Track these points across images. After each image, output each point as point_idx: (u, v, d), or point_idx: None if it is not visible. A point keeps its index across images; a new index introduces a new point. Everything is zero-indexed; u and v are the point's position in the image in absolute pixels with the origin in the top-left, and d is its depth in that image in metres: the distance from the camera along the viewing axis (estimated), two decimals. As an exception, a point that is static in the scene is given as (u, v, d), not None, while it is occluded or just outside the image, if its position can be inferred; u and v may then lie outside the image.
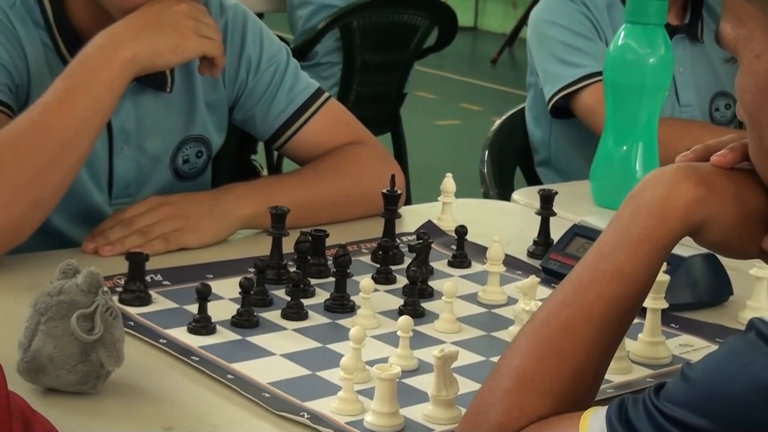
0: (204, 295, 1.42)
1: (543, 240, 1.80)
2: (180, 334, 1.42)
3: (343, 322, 1.49)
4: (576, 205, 2.02)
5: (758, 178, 1.12)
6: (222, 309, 1.48)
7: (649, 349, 1.45)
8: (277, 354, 1.39)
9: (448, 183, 1.88)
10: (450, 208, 1.89)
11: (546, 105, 2.50)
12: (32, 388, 1.25)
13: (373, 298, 1.50)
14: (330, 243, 1.65)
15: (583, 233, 1.70)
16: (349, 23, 3.84)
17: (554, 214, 1.81)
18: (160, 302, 1.51)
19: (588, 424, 1.01)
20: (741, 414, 0.93)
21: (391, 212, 1.73)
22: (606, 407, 1.01)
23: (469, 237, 1.75)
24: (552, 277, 1.67)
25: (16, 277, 1.57)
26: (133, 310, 1.47)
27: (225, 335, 1.43)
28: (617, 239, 1.10)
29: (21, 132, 1.59)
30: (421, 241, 1.65)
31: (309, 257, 1.61)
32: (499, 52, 9.18)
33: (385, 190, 1.74)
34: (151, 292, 1.52)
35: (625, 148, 2.07)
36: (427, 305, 1.55)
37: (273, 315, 1.50)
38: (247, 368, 1.34)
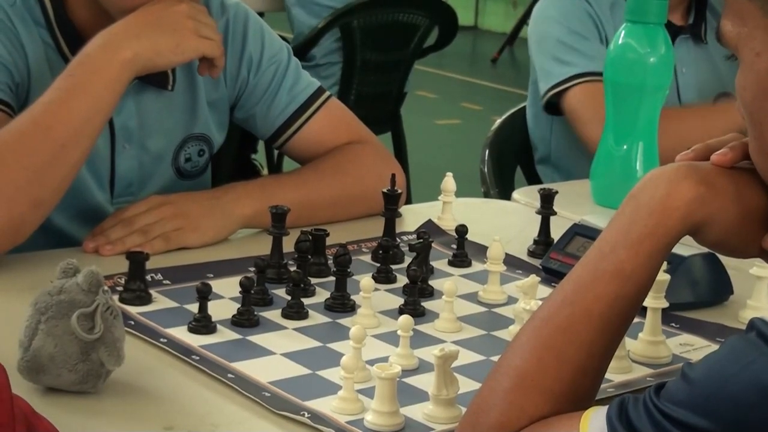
0: (204, 295, 1.42)
1: (543, 239, 1.80)
2: (180, 333, 1.42)
3: (344, 321, 1.49)
4: (576, 205, 2.02)
5: (758, 177, 1.12)
6: (222, 308, 1.48)
7: (649, 349, 1.45)
8: (277, 353, 1.39)
9: (449, 182, 1.88)
10: (450, 208, 1.89)
11: (540, 100, 2.51)
12: (33, 387, 1.25)
13: (374, 298, 1.50)
14: (330, 242, 1.65)
15: (583, 232, 1.70)
16: (349, 22, 3.84)
17: (554, 213, 1.81)
18: (161, 301, 1.51)
19: (588, 424, 1.01)
20: (742, 414, 0.93)
21: (392, 211, 1.73)
22: (606, 407, 1.01)
23: (469, 236, 1.75)
24: (552, 276, 1.67)
25: (17, 276, 1.57)
26: (133, 310, 1.47)
27: (225, 334, 1.43)
28: (617, 238, 1.10)
29: (21, 131, 1.59)
30: (421, 240, 1.65)
31: (309, 256, 1.61)
32: (499, 52, 9.18)
33: (385, 190, 1.74)
34: (152, 292, 1.52)
35: (625, 147, 2.07)
36: (427, 304, 1.55)
37: (273, 314, 1.50)
38: (248, 367, 1.34)
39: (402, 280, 1.62)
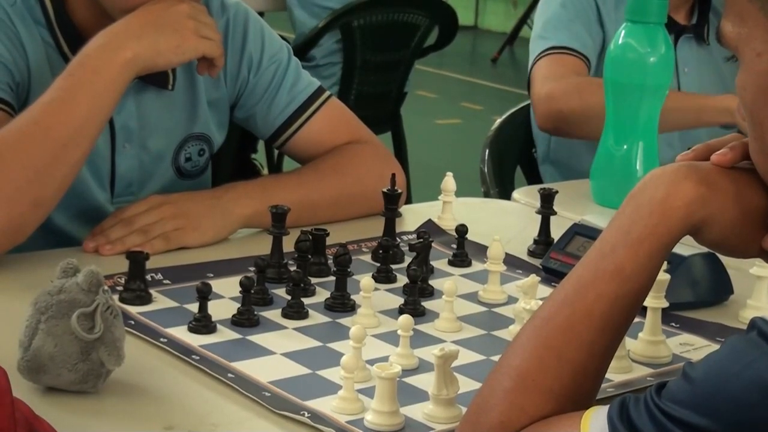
0: (204, 294, 1.42)
1: (543, 239, 1.80)
2: (180, 333, 1.42)
3: (344, 321, 1.49)
4: (576, 204, 2.02)
5: (759, 177, 1.12)
6: (222, 308, 1.48)
7: (649, 348, 1.45)
8: (277, 353, 1.39)
9: (449, 182, 1.88)
10: (450, 207, 1.89)
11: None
12: (32, 387, 1.25)
13: (374, 297, 1.50)
14: (330, 242, 1.65)
15: (583, 232, 1.70)
16: (350, 22, 3.84)
17: (555, 213, 1.81)
18: (161, 301, 1.51)
19: (589, 424, 1.01)
20: (743, 413, 0.93)
21: (392, 211, 1.73)
22: (607, 407, 1.01)
23: (469, 236, 1.75)
24: (552, 276, 1.67)
25: (17, 276, 1.57)
26: (133, 309, 1.47)
27: (225, 334, 1.43)
28: (618, 238, 1.10)
29: (22, 131, 1.59)
30: (421, 240, 1.65)
31: (309, 256, 1.61)
32: (499, 51, 9.19)
33: (385, 189, 1.74)
34: (152, 291, 1.52)
35: (625, 147, 2.07)
36: (427, 304, 1.55)
37: (273, 314, 1.50)
38: (248, 367, 1.34)
39: (402, 280, 1.62)
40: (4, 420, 0.90)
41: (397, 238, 1.76)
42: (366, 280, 1.48)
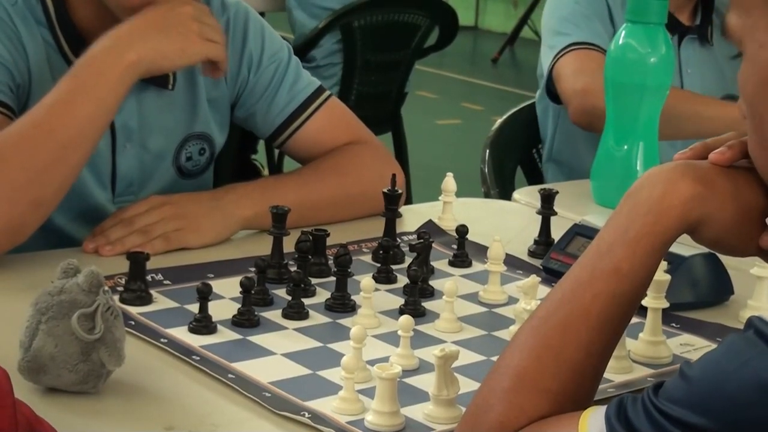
0: (205, 295, 1.42)
1: (544, 239, 1.80)
2: (181, 333, 1.42)
3: (344, 321, 1.49)
4: (577, 205, 2.02)
5: (757, 176, 1.12)
6: (223, 308, 1.48)
7: (649, 349, 1.45)
8: (277, 353, 1.39)
9: (449, 182, 1.88)
10: (451, 208, 1.89)
11: (544, 89, 2.51)
12: (33, 387, 1.25)
13: (374, 298, 1.50)
14: (331, 242, 1.65)
15: (583, 233, 1.70)
16: (350, 23, 3.84)
17: (555, 213, 1.81)
18: (161, 302, 1.51)
19: (587, 424, 1.01)
20: (740, 412, 0.93)
21: (392, 212, 1.73)
22: (605, 407, 1.01)
23: (469, 236, 1.75)
24: (553, 276, 1.67)
25: (17, 276, 1.57)
26: (133, 310, 1.47)
27: (226, 335, 1.43)
28: (615, 237, 1.10)
29: (23, 132, 1.59)
30: (421, 240, 1.65)
31: (310, 257, 1.61)
32: (500, 52, 9.18)
33: (385, 190, 1.74)
34: (152, 292, 1.52)
35: (626, 147, 2.07)
36: (427, 305, 1.55)
37: (274, 314, 1.50)
38: (248, 368, 1.34)
39: (402, 281, 1.62)
40: (6, 422, 0.90)
41: (398, 239, 1.76)
42: (366, 280, 1.49)
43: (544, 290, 1.54)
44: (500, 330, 1.50)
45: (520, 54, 9.38)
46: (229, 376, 1.32)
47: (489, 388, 1.10)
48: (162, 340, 1.40)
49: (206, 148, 1.91)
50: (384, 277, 1.64)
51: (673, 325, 1.55)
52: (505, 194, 2.39)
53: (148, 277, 1.53)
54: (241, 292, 1.47)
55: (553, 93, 2.50)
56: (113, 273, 1.54)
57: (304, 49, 3.79)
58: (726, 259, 1.57)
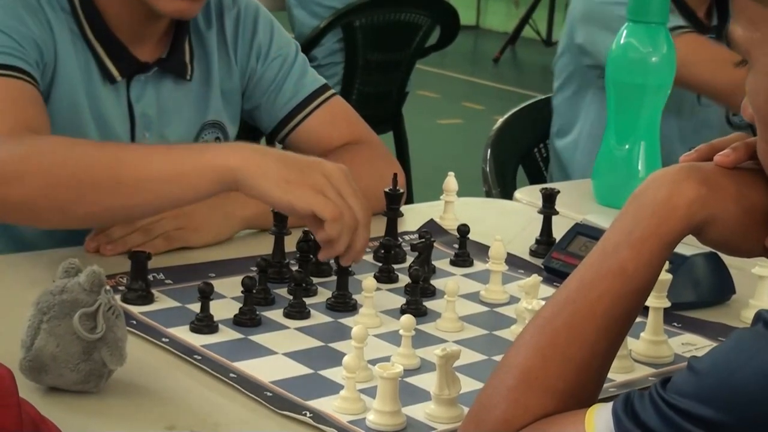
0: (206, 294, 1.42)
1: (545, 239, 1.80)
2: (182, 332, 1.42)
3: (346, 320, 1.49)
4: (578, 204, 2.02)
5: (762, 178, 1.12)
6: (224, 308, 1.48)
7: (651, 348, 1.45)
8: (279, 353, 1.39)
9: (451, 182, 1.88)
10: (452, 207, 1.89)
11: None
12: (35, 387, 1.25)
13: (375, 297, 1.50)
14: (332, 242, 1.65)
15: (585, 232, 1.70)
16: (351, 22, 3.84)
17: (556, 212, 1.81)
18: (163, 301, 1.51)
19: (594, 420, 1.01)
20: (748, 404, 0.93)
21: (394, 211, 1.73)
22: (610, 404, 1.01)
23: (471, 236, 1.75)
24: (554, 276, 1.66)
25: (19, 275, 1.57)
26: (135, 309, 1.47)
27: (227, 334, 1.43)
28: (620, 238, 1.10)
29: (94, 163, 1.55)
30: (423, 239, 1.65)
31: (311, 256, 1.61)
32: (501, 51, 9.18)
33: (387, 189, 1.74)
34: (154, 291, 1.52)
35: (627, 146, 2.07)
36: (429, 304, 1.55)
37: (275, 314, 1.50)
38: (250, 367, 1.34)
39: (404, 280, 1.62)
40: (11, 421, 0.90)
41: (399, 238, 1.75)
42: (368, 280, 1.49)
43: (545, 290, 1.54)
44: (501, 329, 1.50)
45: (521, 53, 9.38)
46: (231, 375, 1.32)
47: (493, 387, 1.10)
48: (163, 339, 1.40)
49: (221, 137, 1.92)
50: (385, 276, 1.64)
51: (675, 324, 1.55)
52: (507, 194, 2.39)
53: (150, 277, 1.53)
54: (242, 292, 1.47)
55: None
56: (115, 272, 1.54)
57: (305, 48, 3.78)
58: (728, 259, 1.57)
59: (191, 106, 1.87)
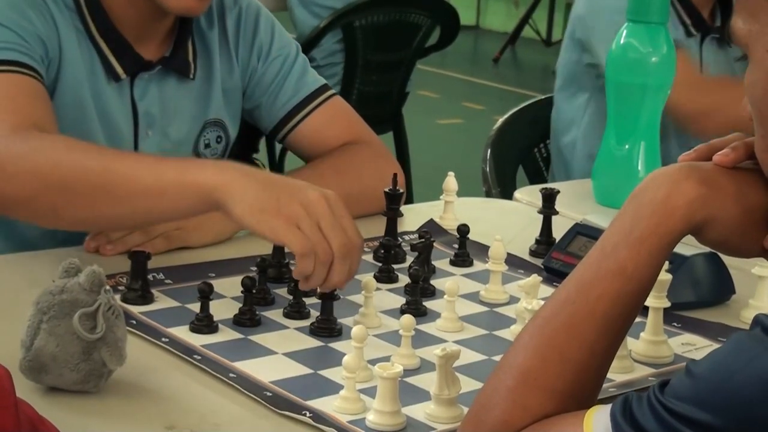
0: (206, 294, 1.42)
1: (545, 239, 1.80)
2: (182, 332, 1.42)
3: (345, 321, 1.49)
4: (578, 204, 2.02)
5: (761, 177, 1.12)
6: (224, 308, 1.48)
7: (651, 348, 1.45)
8: (279, 353, 1.39)
9: (450, 182, 1.88)
10: (452, 207, 1.89)
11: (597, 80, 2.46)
12: (34, 387, 1.25)
13: (375, 297, 1.50)
14: (332, 242, 1.65)
15: (585, 232, 1.70)
16: (351, 22, 3.84)
17: (556, 212, 1.81)
18: (162, 301, 1.51)
19: (592, 422, 1.01)
20: (746, 409, 0.93)
21: (393, 211, 1.73)
22: (609, 405, 1.01)
23: (471, 236, 1.75)
24: (554, 276, 1.67)
25: (18, 275, 1.57)
26: (135, 309, 1.47)
27: (227, 334, 1.43)
28: (620, 238, 1.10)
29: (89, 170, 1.54)
30: (423, 239, 1.65)
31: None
32: (501, 51, 9.18)
33: (387, 189, 1.74)
34: (153, 291, 1.52)
35: (627, 146, 2.07)
36: (429, 304, 1.55)
37: (275, 314, 1.50)
38: (249, 367, 1.34)
39: (404, 280, 1.62)
40: (9, 421, 0.90)
41: (399, 238, 1.75)
42: (367, 279, 1.49)
43: (545, 290, 1.54)
44: (501, 329, 1.50)
45: (521, 53, 9.37)
46: (231, 375, 1.32)
47: (493, 387, 1.10)
48: (163, 339, 1.40)
49: (222, 136, 1.93)
50: (385, 276, 1.64)
51: (675, 324, 1.55)
52: (507, 194, 2.39)
53: (150, 277, 1.53)
54: (242, 292, 1.47)
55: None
56: (114, 272, 1.54)
57: (305, 48, 3.77)
58: (727, 259, 1.57)
59: (193, 104, 1.88)
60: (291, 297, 1.51)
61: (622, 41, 2.04)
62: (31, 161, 1.54)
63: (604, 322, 1.09)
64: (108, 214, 1.55)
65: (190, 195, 1.49)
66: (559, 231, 1.76)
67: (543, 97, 2.78)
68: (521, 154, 2.71)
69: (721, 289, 1.64)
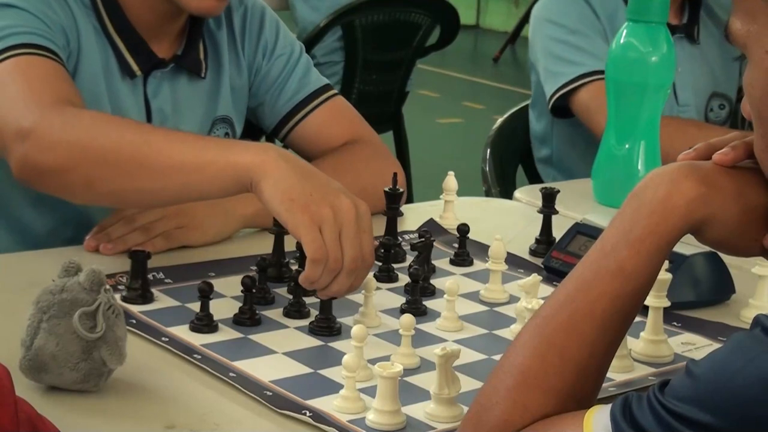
0: (206, 293, 1.42)
1: (545, 238, 1.80)
2: (182, 332, 1.42)
3: (345, 320, 1.49)
4: (578, 204, 2.02)
5: (760, 176, 1.12)
6: (224, 307, 1.48)
7: (651, 348, 1.45)
8: (279, 352, 1.39)
9: (450, 181, 1.88)
10: (452, 206, 1.89)
11: (546, 103, 2.50)
12: (34, 386, 1.25)
13: (375, 296, 1.50)
14: (332, 241, 1.65)
15: (585, 231, 1.70)
16: (351, 21, 3.84)
17: (556, 212, 1.81)
18: (162, 300, 1.51)
19: (592, 422, 1.01)
20: (746, 409, 0.93)
21: (393, 210, 1.73)
22: (609, 406, 1.01)
23: (471, 235, 1.75)
24: (554, 275, 1.67)
25: (19, 274, 1.57)
26: (135, 308, 1.47)
27: (227, 333, 1.43)
28: (619, 237, 1.10)
29: (123, 142, 1.54)
30: (423, 239, 1.65)
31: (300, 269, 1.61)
32: (501, 51, 9.18)
33: (387, 188, 1.74)
34: (153, 290, 1.52)
35: (627, 146, 2.07)
36: (428, 303, 1.55)
37: (275, 313, 1.50)
38: (249, 366, 1.34)
39: (403, 279, 1.62)
40: (8, 420, 0.90)
41: (399, 237, 1.75)
42: (367, 279, 1.48)
43: (545, 289, 1.54)
44: (501, 329, 1.50)
45: (521, 53, 9.37)
46: (230, 374, 1.32)
47: (492, 387, 1.10)
48: (163, 338, 1.40)
49: (230, 133, 1.94)
50: (385, 275, 1.64)
51: (675, 324, 1.55)
52: (507, 193, 2.39)
53: (150, 276, 1.53)
54: (242, 291, 1.47)
55: (559, 109, 2.48)
56: (114, 271, 1.54)
57: (306, 46, 3.78)
58: (727, 258, 1.57)
59: (204, 102, 1.89)
60: (291, 296, 1.51)
61: (622, 41, 2.04)
62: (67, 133, 1.55)
63: (603, 321, 1.09)
64: (141, 187, 1.54)
65: (230, 173, 1.49)
66: (559, 230, 1.76)
67: (543, 96, 2.78)
68: (521, 154, 2.71)
69: (721, 288, 1.64)
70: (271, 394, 1.28)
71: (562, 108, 2.47)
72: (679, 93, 2.55)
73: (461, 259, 1.73)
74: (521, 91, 7.25)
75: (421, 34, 4.04)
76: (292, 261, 1.62)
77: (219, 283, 1.51)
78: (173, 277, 1.58)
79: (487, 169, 2.53)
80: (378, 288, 1.55)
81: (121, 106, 1.79)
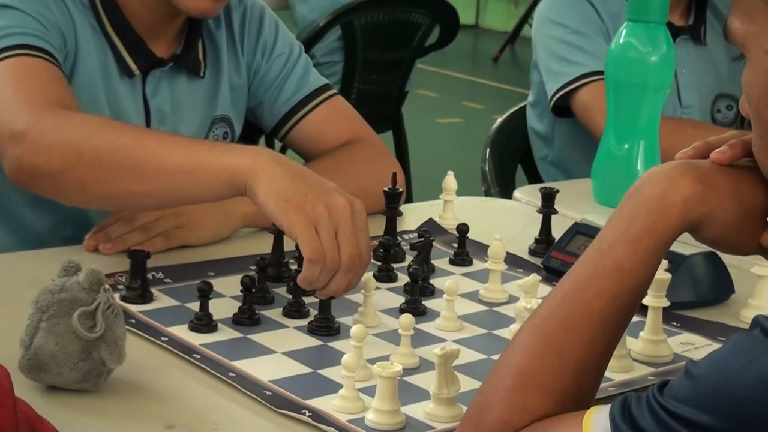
0: (205, 293, 1.42)
1: (544, 238, 1.80)
2: (181, 331, 1.42)
3: (345, 320, 1.49)
4: (577, 203, 2.02)
5: (758, 175, 1.12)
6: (223, 307, 1.48)
7: (650, 348, 1.45)
8: (278, 352, 1.39)
9: (450, 181, 1.88)
10: (451, 206, 1.89)
11: (548, 103, 2.50)
12: (34, 385, 1.25)
13: (375, 296, 1.50)
14: (331, 241, 1.65)
15: (584, 231, 1.70)
16: (351, 21, 3.84)
17: (556, 212, 1.81)
18: (162, 300, 1.51)
19: (591, 423, 1.01)
20: (745, 410, 0.93)
21: (393, 210, 1.73)
22: (608, 406, 1.01)
23: (470, 235, 1.75)
24: (553, 275, 1.66)
25: (18, 274, 1.57)
26: (134, 308, 1.47)
27: (226, 333, 1.43)
28: (617, 236, 1.10)
29: (119, 146, 1.55)
30: (422, 239, 1.65)
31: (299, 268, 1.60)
32: (500, 50, 9.18)
33: (386, 188, 1.74)
34: (153, 290, 1.52)
35: (626, 146, 2.07)
36: (428, 303, 1.55)
37: (274, 313, 1.50)
38: (249, 366, 1.34)
39: (403, 279, 1.62)
40: (6, 420, 0.90)
41: (398, 237, 1.75)
42: (367, 278, 1.48)
43: (544, 289, 1.54)
44: (501, 329, 1.50)
45: (520, 53, 9.37)
46: (230, 374, 1.32)
47: (491, 387, 1.10)
48: (162, 338, 1.40)
49: (229, 132, 1.94)
50: (384, 275, 1.64)
51: (674, 323, 1.55)
52: (506, 193, 2.39)
53: (149, 276, 1.53)
54: (241, 291, 1.47)
55: (560, 109, 2.48)
56: (114, 271, 1.54)
57: (305, 45, 3.78)
58: (727, 258, 1.57)
59: (203, 101, 1.89)
60: (290, 296, 1.51)
61: (621, 40, 2.04)
62: (62, 135, 1.55)
63: (601, 320, 1.09)
64: (135, 190, 1.54)
65: (223, 177, 1.49)
66: (558, 230, 1.76)
67: (542, 96, 2.78)
68: (521, 154, 2.71)
69: (721, 288, 1.64)
70: (270, 393, 1.28)
71: (564, 108, 2.48)
72: (682, 94, 2.54)
73: (461, 258, 1.73)
74: (521, 91, 7.25)
75: (420, 33, 4.04)
76: (291, 261, 1.62)
77: (218, 283, 1.51)
78: (173, 276, 1.58)
79: (487, 168, 2.53)
80: (377, 288, 1.55)
81: (119, 105, 1.79)
